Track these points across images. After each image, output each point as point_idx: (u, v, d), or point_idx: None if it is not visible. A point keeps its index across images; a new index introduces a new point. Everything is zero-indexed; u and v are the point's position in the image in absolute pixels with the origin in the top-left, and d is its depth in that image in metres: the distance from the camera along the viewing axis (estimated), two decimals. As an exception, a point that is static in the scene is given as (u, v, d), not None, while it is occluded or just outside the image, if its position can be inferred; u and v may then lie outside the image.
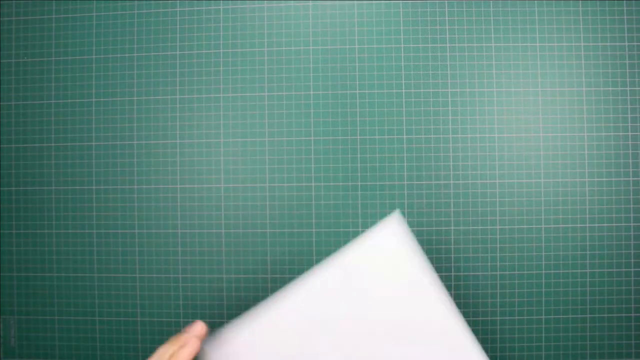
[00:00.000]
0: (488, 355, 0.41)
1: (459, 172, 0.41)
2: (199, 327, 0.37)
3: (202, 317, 0.43)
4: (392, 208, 0.42)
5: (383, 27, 0.42)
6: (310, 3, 0.43)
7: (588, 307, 0.41)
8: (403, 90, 0.42)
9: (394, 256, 0.37)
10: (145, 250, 0.43)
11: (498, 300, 0.41)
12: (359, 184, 0.42)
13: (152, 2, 0.44)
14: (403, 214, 0.42)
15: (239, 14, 0.43)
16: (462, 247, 0.42)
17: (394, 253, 0.37)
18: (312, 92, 0.42)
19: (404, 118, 0.42)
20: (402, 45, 0.42)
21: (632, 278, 0.41)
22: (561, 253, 0.41)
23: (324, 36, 0.43)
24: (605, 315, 0.41)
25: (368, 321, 0.37)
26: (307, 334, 0.37)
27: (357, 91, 0.42)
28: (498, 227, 0.41)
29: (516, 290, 0.41)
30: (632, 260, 0.41)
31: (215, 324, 0.43)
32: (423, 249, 0.42)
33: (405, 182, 0.42)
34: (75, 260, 0.43)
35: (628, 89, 0.41)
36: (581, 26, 0.42)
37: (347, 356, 0.37)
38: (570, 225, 0.41)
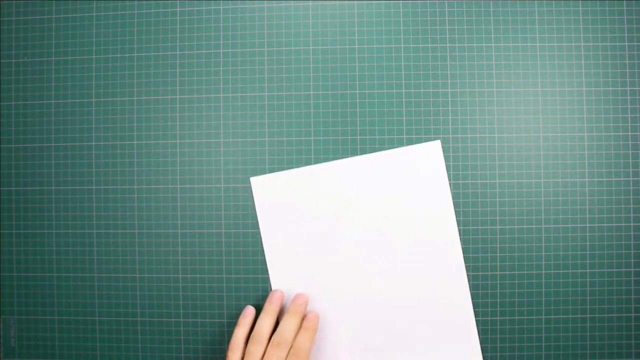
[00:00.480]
0: (488, 356, 0.41)
1: (458, 172, 0.41)
2: (303, 299, 0.40)
3: (202, 317, 0.43)
4: (392, 208, 0.42)
5: (383, 27, 0.42)
6: (310, 3, 0.43)
7: (588, 307, 0.41)
8: (403, 90, 0.42)
9: (423, 173, 0.41)
10: (145, 250, 0.43)
11: (498, 300, 0.41)
12: (359, 184, 0.42)
13: (152, 2, 0.44)
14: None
15: (239, 14, 0.43)
16: (462, 247, 0.42)
17: (424, 171, 0.41)
18: (312, 92, 0.42)
19: (404, 118, 0.42)
20: (402, 45, 0.42)
21: (632, 278, 0.41)
22: (561, 253, 0.41)
23: (324, 36, 0.43)
24: (605, 315, 0.41)
25: (381, 219, 0.41)
26: (325, 213, 0.42)
27: (357, 91, 0.42)
28: (498, 227, 0.41)
29: (516, 290, 0.41)
30: (632, 260, 0.41)
31: (215, 324, 0.43)
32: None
33: (405, 182, 0.42)
34: (75, 260, 0.43)
35: (628, 89, 0.41)
36: (581, 26, 0.42)
37: (353, 253, 0.41)
38: (570, 225, 0.41)
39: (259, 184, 0.41)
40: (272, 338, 0.37)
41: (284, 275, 0.41)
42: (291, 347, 0.37)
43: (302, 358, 0.36)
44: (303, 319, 0.39)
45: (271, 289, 0.41)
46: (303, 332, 0.38)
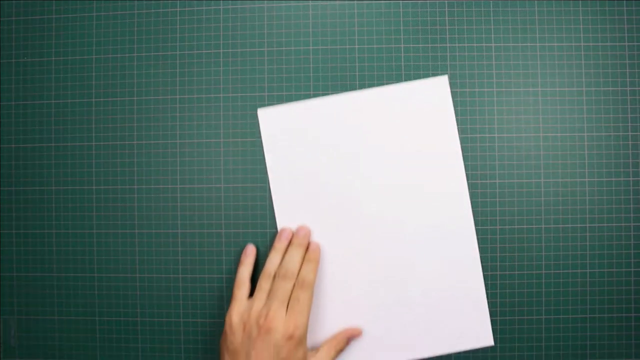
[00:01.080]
0: (488, 356, 0.41)
1: (459, 172, 0.41)
2: (305, 231, 0.41)
3: (202, 317, 0.43)
4: (392, 208, 0.42)
5: (383, 27, 0.42)
6: (310, 3, 0.43)
7: (588, 307, 0.41)
8: (403, 90, 0.42)
9: (429, 108, 0.41)
10: (145, 250, 0.43)
11: (498, 300, 0.41)
12: (359, 184, 0.42)
13: (152, 2, 0.44)
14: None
15: (239, 14, 0.43)
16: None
17: (431, 106, 0.41)
18: (312, 92, 0.42)
19: (404, 118, 0.42)
20: (402, 45, 0.42)
21: (632, 278, 0.41)
22: (561, 253, 0.41)
23: (324, 36, 0.43)
24: (605, 315, 0.41)
25: (387, 154, 0.41)
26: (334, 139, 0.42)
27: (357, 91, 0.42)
28: (498, 227, 0.41)
29: (516, 290, 0.41)
30: (632, 260, 0.41)
31: (215, 324, 0.43)
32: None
33: (405, 182, 0.42)
34: (75, 260, 0.43)
35: (628, 89, 0.41)
36: (581, 26, 0.42)
37: (357, 190, 0.41)
38: (570, 225, 0.41)
39: (266, 115, 0.41)
40: (277, 271, 0.39)
41: (289, 211, 0.42)
42: (296, 279, 0.38)
43: (307, 289, 0.37)
44: (306, 251, 0.40)
45: (277, 226, 0.42)
46: (306, 263, 0.39)
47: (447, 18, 0.42)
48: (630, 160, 0.41)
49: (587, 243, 0.41)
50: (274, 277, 0.39)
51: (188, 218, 0.43)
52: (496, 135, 0.42)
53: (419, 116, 0.41)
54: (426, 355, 0.41)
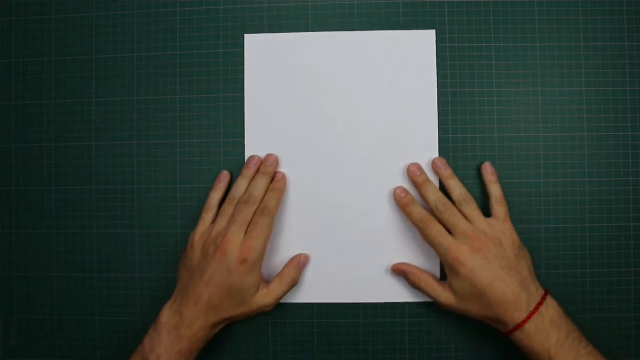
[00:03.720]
0: (488, 356, 0.41)
1: (459, 173, 0.41)
2: (272, 159, 0.41)
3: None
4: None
5: (383, 27, 0.42)
6: (310, 3, 0.43)
7: (588, 307, 0.41)
8: (403, 90, 0.42)
9: (413, 58, 0.42)
10: (145, 250, 0.43)
11: (498, 300, 0.41)
12: (359, 184, 0.42)
13: (152, 2, 0.44)
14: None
15: (239, 14, 0.43)
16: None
17: (415, 56, 0.42)
18: (312, 92, 0.42)
19: (404, 118, 0.42)
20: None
21: (632, 278, 0.41)
22: (561, 253, 0.41)
23: (324, 36, 0.43)
24: (606, 315, 0.41)
25: (362, 95, 0.42)
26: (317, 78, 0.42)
27: (357, 91, 0.42)
28: (498, 227, 0.41)
29: (516, 290, 0.41)
30: (632, 260, 0.41)
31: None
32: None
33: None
34: (75, 260, 0.43)
35: (628, 89, 0.41)
36: (581, 26, 0.42)
37: (331, 126, 0.42)
38: (570, 225, 0.41)
39: (253, 42, 0.42)
40: (242, 196, 0.39)
41: (260, 141, 0.42)
42: (259, 206, 0.39)
43: (267, 216, 0.38)
44: (273, 179, 0.41)
45: (246, 153, 0.42)
46: (271, 192, 0.40)
47: (447, 18, 0.42)
48: (630, 160, 0.41)
49: (587, 243, 0.41)
50: (238, 202, 0.39)
51: (188, 218, 0.43)
52: (496, 135, 0.42)
53: (402, 64, 0.42)
54: (378, 301, 0.41)
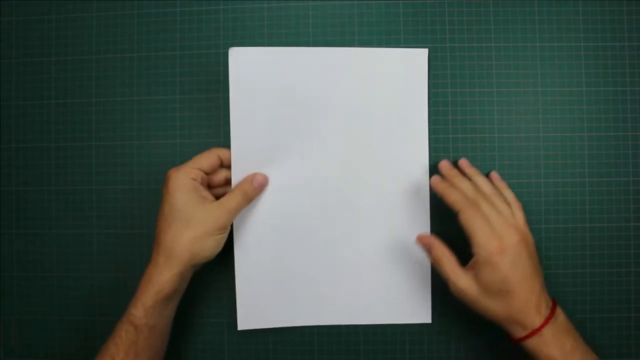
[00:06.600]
0: (488, 356, 0.41)
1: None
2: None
3: (201, 317, 0.43)
4: (392, 208, 0.42)
5: (383, 27, 0.43)
6: (310, 3, 0.43)
7: (588, 307, 0.41)
8: (403, 90, 0.42)
9: (405, 76, 0.41)
10: (145, 251, 0.43)
11: (498, 300, 0.41)
12: (359, 184, 0.42)
13: (152, 2, 0.44)
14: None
15: (239, 14, 0.43)
16: (463, 246, 0.42)
17: (406, 74, 0.41)
18: (312, 92, 0.42)
19: (404, 118, 0.42)
20: (402, 46, 0.42)
21: (632, 278, 0.41)
22: (561, 253, 0.41)
23: (324, 36, 0.43)
24: (606, 315, 0.41)
25: (352, 113, 0.41)
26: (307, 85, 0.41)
27: (357, 91, 0.42)
28: (498, 227, 0.41)
29: (516, 290, 0.41)
30: (632, 260, 0.41)
31: (215, 324, 0.43)
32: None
33: (405, 182, 0.42)
34: (75, 260, 0.43)
35: (628, 89, 0.41)
36: (581, 26, 0.42)
37: (318, 144, 0.41)
38: (570, 225, 0.41)
39: (237, 55, 0.40)
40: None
41: (247, 157, 0.40)
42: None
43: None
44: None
45: (232, 169, 0.40)
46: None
47: (447, 18, 0.42)
48: (630, 160, 0.41)
49: (587, 243, 0.41)
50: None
51: (188, 218, 0.43)
52: (496, 135, 0.42)
53: (393, 83, 0.41)
54: (361, 323, 0.42)
